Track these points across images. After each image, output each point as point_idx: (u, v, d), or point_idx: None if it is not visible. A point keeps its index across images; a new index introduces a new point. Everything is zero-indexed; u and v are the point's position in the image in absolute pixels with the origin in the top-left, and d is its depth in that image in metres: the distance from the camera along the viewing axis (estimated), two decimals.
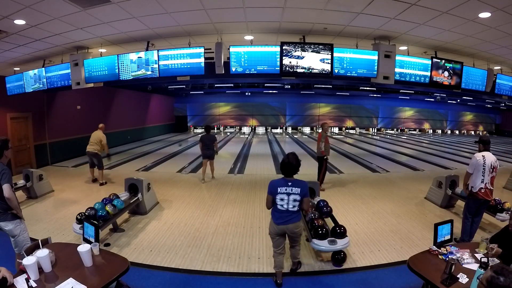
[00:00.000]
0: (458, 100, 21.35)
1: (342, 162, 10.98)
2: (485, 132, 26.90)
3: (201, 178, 7.93)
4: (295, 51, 5.55)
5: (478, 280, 1.80)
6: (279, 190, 3.08)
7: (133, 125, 16.53)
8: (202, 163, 8.05)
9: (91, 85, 6.61)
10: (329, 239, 3.67)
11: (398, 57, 5.91)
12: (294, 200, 3.08)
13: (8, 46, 5.88)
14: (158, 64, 5.91)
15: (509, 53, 6.46)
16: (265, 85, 16.17)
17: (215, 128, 24.63)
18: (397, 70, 5.94)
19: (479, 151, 4.05)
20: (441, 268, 2.42)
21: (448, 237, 2.95)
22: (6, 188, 2.90)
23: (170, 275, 3.52)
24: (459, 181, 5.90)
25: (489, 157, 3.91)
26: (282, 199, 3.09)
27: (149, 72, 6.01)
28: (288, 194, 3.07)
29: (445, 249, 2.77)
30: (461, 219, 4.26)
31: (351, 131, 25.14)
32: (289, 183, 3.09)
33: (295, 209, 3.11)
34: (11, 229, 3.05)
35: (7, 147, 3.12)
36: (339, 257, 3.71)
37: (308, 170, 7.72)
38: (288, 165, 3.11)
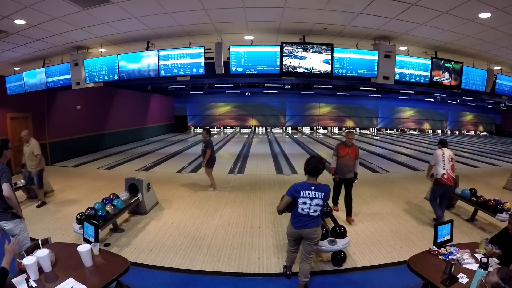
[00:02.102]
0: (458, 100, 21.35)
1: None
2: (485, 132, 26.96)
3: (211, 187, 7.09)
4: (297, 51, 5.55)
5: (481, 280, 1.75)
6: (302, 194, 2.95)
7: (133, 125, 16.54)
8: (209, 172, 7.02)
9: (91, 85, 6.60)
10: (329, 239, 3.67)
11: (398, 57, 5.91)
12: (317, 205, 2.97)
13: (8, 46, 5.88)
14: (158, 64, 5.91)
15: (509, 53, 6.45)
16: (265, 85, 16.17)
17: (215, 128, 24.63)
18: (397, 70, 5.93)
19: (439, 149, 5.12)
20: (441, 268, 2.42)
21: (448, 237, 2.96)
22: (5, 187, 2.92)
23: (170, 275, 3.52)
24: (459, 181, 5.92)
25: (446, 151, 5.00)
26: (304, 203, 2.96)
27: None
28: (311, 198, 2.95)
29: (445, 249, 2.77)
30: (429, 202, 5.19)
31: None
32: (312, 187, 2.96)
33: (316, 214, 3.00)
34: (11, 228, 3.06)
35: (7, 147, 3.16)
36: (339, 257, 3.71)
37: None
38: (316, 166, 3.00)
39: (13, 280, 2.19)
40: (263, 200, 6.31)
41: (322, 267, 3.70)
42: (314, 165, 3.00)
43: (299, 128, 25.06)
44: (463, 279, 2.30)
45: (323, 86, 14.91)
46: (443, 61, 6.29)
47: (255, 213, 5.56)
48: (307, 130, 24.99)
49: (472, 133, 26.79)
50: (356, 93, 20.97)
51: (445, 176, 4.74)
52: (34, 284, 2.15)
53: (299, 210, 3.00)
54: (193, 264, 3.75)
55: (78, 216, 4.13)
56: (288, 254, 3.42)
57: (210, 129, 24.37)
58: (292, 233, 3.16)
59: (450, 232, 2.97)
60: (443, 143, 5.19)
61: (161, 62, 5.90)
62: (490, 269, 2.12)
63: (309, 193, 2.95)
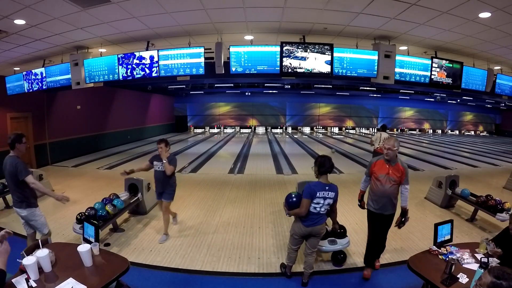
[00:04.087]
0: (458, 100, 21.34)
1: (342, 162, 10.98)
2: (485, 132, 26.98)
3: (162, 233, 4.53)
4: (297, 51, 5.54)
5: (476, 285, 1.69)
6: (318, 194, 3.03)
7: (133, 125, 16.53)
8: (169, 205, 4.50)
9: (91, 85, 6.61)
10: (329, 239, 3.68)
11: (398, 57, 5.91)
12: (328, 204, 3.11)
13: (8, 46, 5.88)
14: (158, 64, 5.92)
15: (509, 53, 6.45)
16: (265, 85, 16.13)
17: (215, 128, 24.60)
18: (397, 70, 5.93)
19: (379, 132, 7.81)
20: (441, 268, 2.42)
21: (448, 237, 2.95)
22: (29, 179, 3.32)
23: (170, 275, 3.52)
24: (459, 181, 5.92)
25: (383, 134, 7.63)
26: (318, 203, 3.06)
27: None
28: (324, 198, 3.06)
29: (445, 249, 2.77)
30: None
31: (351, 131, 25.14)
32: (326, 187, 3.06)
33: (325, 212, 3.16)
34: (26, 215, 3.45)
35: (20, 141, 3.40)
36: (339, 257, 3.71)
37: (307, 170, 7.71)
38: (331, 166, 3.11)
39: (13, 280, 2.19)
40: (263, 200, 6.31)
41: (322, 267, 3.70)
42: (330, 165, 3.09)
43: (299, 128, 25.06)
44: (463, 279, 2.30)
45: (323, 86, 14.85)
46: (443, 61, 6.30)
47: (255, 213, 5.56)
48: (307, 130, 24.99)
49: (472, 133, 26.79)
50: (356, 93, 20.95)
51: (378, 149, 7.25)
52: (34, 284, 2.15)
53: (311, 209, 3.07)
54: (193, 264, 3.75)
55: (78, 216, 4.13)
56: (290, 254, 3.41)
57: (211, 129, 24.62)
58: (301, 232, 3.20)
59: (450, 232, 2.97)
60: (383, 128, 8.02)
61: (161, 62, 5.90)
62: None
63: (323, 193, 3.04)
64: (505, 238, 2.75)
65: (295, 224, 3.26)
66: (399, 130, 26.08)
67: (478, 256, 2.60)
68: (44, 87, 7.25)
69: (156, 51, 5.89)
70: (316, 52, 5.59)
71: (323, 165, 3.06)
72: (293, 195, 3.29)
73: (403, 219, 3.30)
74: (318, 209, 3.08)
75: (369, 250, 3.48)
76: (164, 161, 4.21)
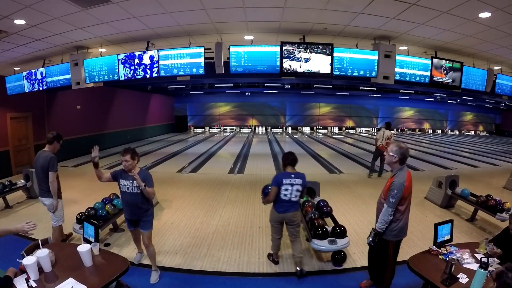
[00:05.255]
0: (458, 100, 21.33)
1: (342, 162, 10.98)
2: (485, 132, 26.98)
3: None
4: (297, 51, 5.53)
5: (489, 274, 1.84)
6: (284, 181, 3.37)
7: (133, 125, 16.53)
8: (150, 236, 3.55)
9: (91, 85, 6.61)
10: (329, 239, 3.68)
11: (398, 57, 5.91)
12: (297, 190, 3.40)
13: (8, 46, 5.88)
14: (158, 64, 5.92)
15: (509, 53, 6.45)
16: (265, 85, 16.12)
17: (215, 128, 24.57)
18: (397, 70, 5.93)
19: (383, 129, 8.17)
20: (441, 268, 2.42)
21: (448, 237, 2.95)
22: (50, 175, 3.72)
23: (170, 275, 3.52)
24: (459, 181, 5.92)
25: (386, 132, 7.99)
26: (286, 189, 3.38)
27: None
28: (292, 185, 3.37)
29: (445, 249, 2.77)
30: (371, 161, 8.49)
31: (351, 131, 25.14)
32: (292, 175, 3.40)
33: (296, 199, 3.44)
34: (50, 204, 3.79)
35: (59, 141, 4.03)
36: (339, 257, 3.71)
37: (307, 170, 7.70)
38: (294, 158, 3.51)
39: (13, 280, 2.19)
40: None
41: (322, 267, 3.70)
42: (293, 157, 3.52)
43: (299, 128, 25.05)
44: (463, 279, 2.30)
45: (323, 86, 14.84)
46: (443, 61, 6.29)
47: (255, 213, 5.56)
48: (307, 130, 24.98)
49: (472, 132, 26.79)
50: (356, 93, 20.94)
51: (380, 146, 7.78)
52: (34, 284, 2.15)
53: (282, 196, 3.40)
54: (193, 264, 3.75)
55: (78, 216, 4.14)
56: (273, 242, 3.72)
57: (211, 129, 24.64)
58: (275, 218, 3.54)
59: (450, 232, 2.97)
60: (387, 125, 8.23)
61: (161, 62, 5.90)
62: (490, 269, 2.12)
63: (290, 180, 3.39)
64: (505, 238, 2.75)
65: (271, 212, 3.62)
66: (399, 130, 26.07)
67: (478, 256, 2.60)
68: (44, 87, 7.25)
69: (156, 51, 5.90)
70: (316, 52, 5.59)
71: (287, 158, 3.51)
72: (269, 186, 3.75)
73: (370, 238, 2.84)
74: (288, 196, 3.38)
75: (369, 262, 3.26)
76: (141, 185, 3.10)
